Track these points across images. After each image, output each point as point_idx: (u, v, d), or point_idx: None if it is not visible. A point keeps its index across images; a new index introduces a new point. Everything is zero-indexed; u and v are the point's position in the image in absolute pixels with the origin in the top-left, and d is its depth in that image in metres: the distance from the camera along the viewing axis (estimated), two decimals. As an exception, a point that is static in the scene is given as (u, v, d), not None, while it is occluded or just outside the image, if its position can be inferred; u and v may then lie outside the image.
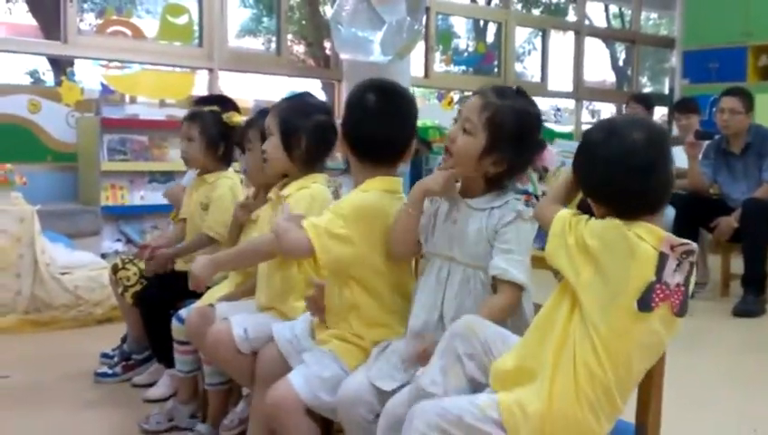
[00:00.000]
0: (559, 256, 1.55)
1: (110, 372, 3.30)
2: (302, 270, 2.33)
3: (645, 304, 1.47)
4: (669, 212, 5.23)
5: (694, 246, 1.51)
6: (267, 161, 2.42)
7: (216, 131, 3.07)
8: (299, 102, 2.43)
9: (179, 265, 3.06)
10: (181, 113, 5.47)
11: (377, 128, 2.01)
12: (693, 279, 1.54)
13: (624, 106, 6.42)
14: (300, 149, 2.36)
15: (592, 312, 1.49)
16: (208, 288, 2.60)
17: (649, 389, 1.67)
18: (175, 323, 2.72)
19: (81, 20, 6.08)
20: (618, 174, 1.52)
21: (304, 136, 2.35)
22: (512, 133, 1.80)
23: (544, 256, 1.60)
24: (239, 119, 3.06)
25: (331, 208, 2.00)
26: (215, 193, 3.03)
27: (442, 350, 1.67)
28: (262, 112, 2.79)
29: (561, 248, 1.55)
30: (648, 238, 1.49)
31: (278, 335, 2.13)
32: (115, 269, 3.28)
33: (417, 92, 8.57)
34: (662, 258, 1.48)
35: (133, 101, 5.73)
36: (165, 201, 3.65)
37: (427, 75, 7.88)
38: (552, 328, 1.56)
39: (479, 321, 1.69)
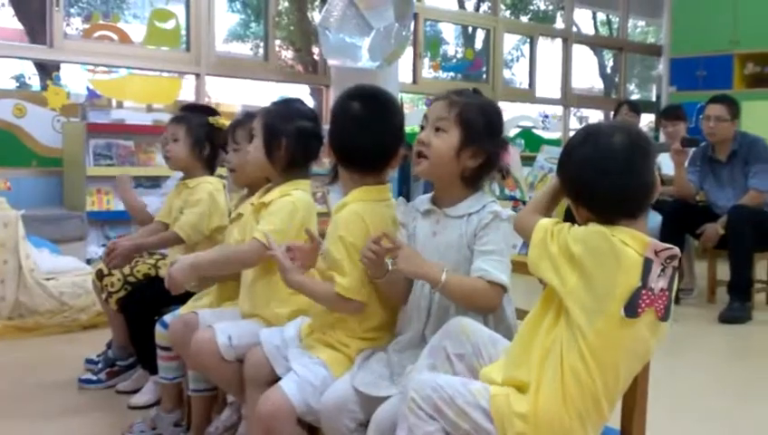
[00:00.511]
0: (542, 266, 1.55)
1: (94, 378, 3.27)
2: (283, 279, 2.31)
3: (631, 310, 1.47)
4: (656, 218, 5.26)
5: (677, 250, 1.52)
6: (247, 163, 2.43)
7: (201, 133, 3.06)
8: (285, 107, 2.43)
9: (164, 271, 3.03)
10: (167, 118, 5.47)
11: (362, 137, 2.01)
12: (675, 284, 1.54)
13: (612, 113, 6.44)
14: (280, 153, 2.35)
15: (579, 319, 1.49)
16: (187, 294, 2.57)
17: (634, 394, 1.68)
18: (159, 329, 2.69)
19: (67, 24, 6.05)
20: (597, 176, 1.53)
21: (285, 140, 2.34)
22: (482, 124, 1.86)
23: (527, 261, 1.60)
24: (225, 122, 3.05)
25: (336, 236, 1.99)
26: (193, 197, 3.01)
27: (432, 349, 1.68)
28: (250, 114, 2.81)
29: (544, 258, 1.55)
30: (633, 244, 1.49)
31: (265, 340, 2.12)
32: (99, 275, 3.25)
33: (405, 98, 8.57)
34: (647, 264, 1.48)
35: (119, 105, 5.71)
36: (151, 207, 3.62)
37: (415, 81, 7.90)
38: (538, 336, 1.55)
39: (473, 323, 1.70)
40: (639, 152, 1.56)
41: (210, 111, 3.22)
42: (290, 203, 2.32)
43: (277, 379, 1.98)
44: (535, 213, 1.69)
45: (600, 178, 1.53)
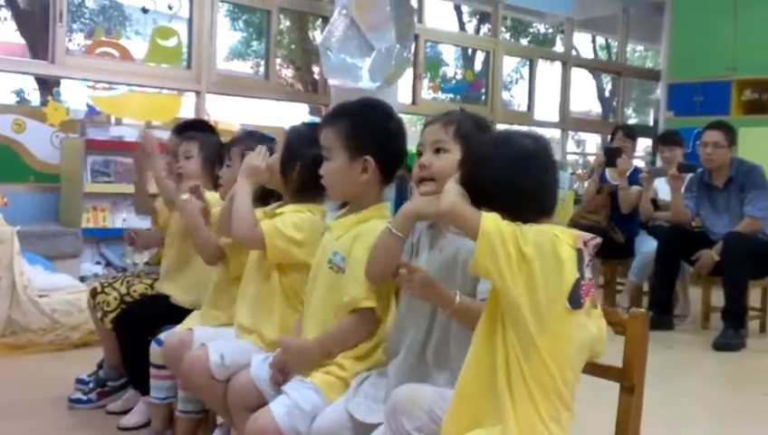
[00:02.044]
0: (496, 260, 1.49)
1: (84, 398, 3.25)
2: (285, 295, 2.32)
3: (575, 300, 1.50)
4: (651, 243, 5.27)
5: (599, 238, 1.57)
6: (271, 168, 2.39)
7: (213, 151, 3.07)
8: (310, 131, 2.38)
9: (162, 289, 3.05)
10: (167, 136, 5.48)
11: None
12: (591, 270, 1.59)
13: (609, 137, 6.46)
14: (293, 175, 2.35)
15: (529, 321, 1.49)
16: (182, 312, 2.57)
17: (627, 420, 1.68)
18: (154, 347, 2.69)
19: (69, 40, 6.08)
20: (520, 172, 1.59)
21: (300, 166, 2.34)
22: (480, 137, 1.85)
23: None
24: None
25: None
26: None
27: (390, 431, 1.66)
28: (249, 133, 2.85)
29: (499, 254, 1.49)
30: (564, 237, 1.52)
31: (255, 364, 2.12)
32: (93, 293, 3.24)
33: (404, 119, 8.59)
34: (580, 255, 1.52)
35: (119, 122, 5.72)
36: (147, 224, 3.62)
37: (414, 102, 7.92)
38: (491, 361, 1.54)
39: (416, 391, 1.70)
40: (547, 154, 1.66)
41: (204, 125, 3.22)
42: (298, 218, 2.31)
43: (264, 404, 1.97)
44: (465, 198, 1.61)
45: (522, 175, 1.58)
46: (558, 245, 1.50)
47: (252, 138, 2.75)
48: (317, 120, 2.63)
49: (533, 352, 1.49)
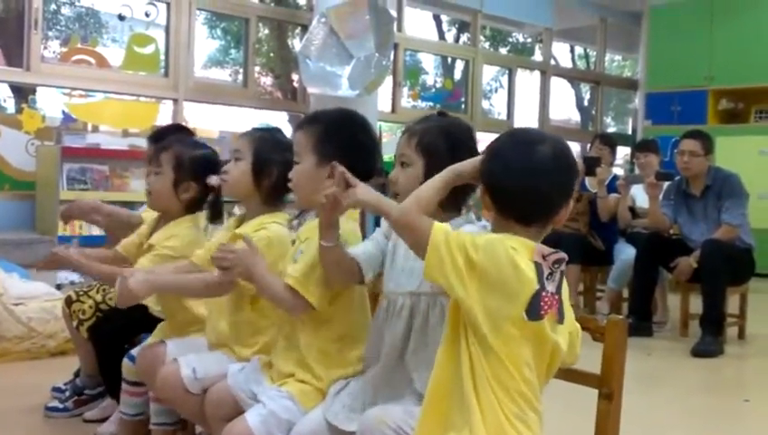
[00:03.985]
0: (444, 271, 1.52)
1: (60, 406, 3.21)
2: (255, 308, 2.28)
3: (533, 312, 1.49)
4: (630, 251, 5.30)
5: (563, 254, 1.54)
6: (228, 183, 2.36)
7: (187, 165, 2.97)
8: (274, 136, 2.39)
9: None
10: (144, 143, 5.43)
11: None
12: (565, 288, 1.57)
13: (589, 146, 6.50)
14: (269, 180, 2.32)
15: (483, 324, 1.49)
16: (156, 321, 2.53)
17: (605, 427, 1.68)
18: (126, 363, 2.64)
19: (45, 47, 6.04)
20: (510, 172, 1.55)
21: (276, 169, 2.30)
22: (444, 148, 1.83)
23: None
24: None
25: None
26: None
27: None
28: (177, 139, 2.79)
29: (447, 263, 1.51)
30: (521, 249, 1.51)
31: (232, 374, 2.09)
32: (69, 301, 3.20)
33: (384, 127, 8.61)
34: (538, 268, 1.51)
35: (95, 129, 5.69)
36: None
37: (394, 110, 7.94)
38: (457, 365, 1.54)
39: (384, 409, 1.70)
40: (555, 165, 1.57)
41: (182, 130, 3.17)
42: (265, 238, 2.24)
43: (240, 413, 1.95)
44: (421, 211, 1.61)
45: (505, 170, 1.56)
46: (512, 255, 1.50)
47: (182, 143, 2.71)
48: (271, 125, 2.59)
49: (491, 353, 1.49)
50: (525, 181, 1.54)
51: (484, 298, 1.49)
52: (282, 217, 2.36)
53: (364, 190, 1.72)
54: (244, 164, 2.33)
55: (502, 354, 1.49)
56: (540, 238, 1.59)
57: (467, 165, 1.65)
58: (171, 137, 2.90)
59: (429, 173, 1.78)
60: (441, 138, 1.85)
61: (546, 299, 1.50)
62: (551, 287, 1.52)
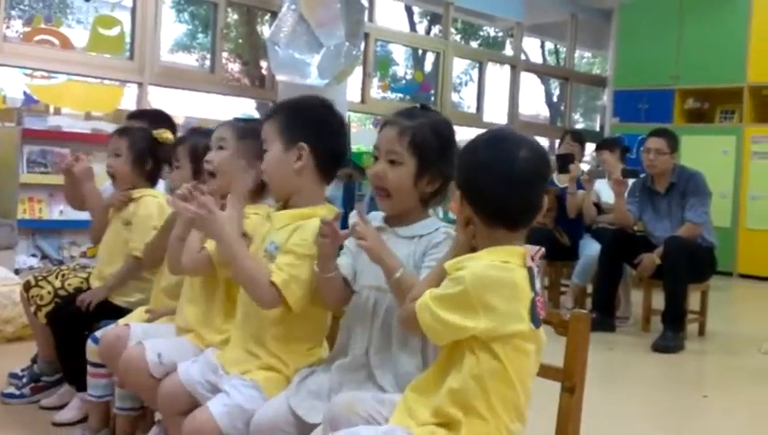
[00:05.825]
0: (448, 334, 1.56)
1: (17, 393, 3.16)
2: (229, 296, 2.25)
3: (535, 319, 1.53)
4: (595, 246, 5.34)
5: (542, 249, 1.57)
6: (218, 175, 2.33)
7: (144, 146, 2.98)
8: (256, 127, 2.31)
9: (95, 284, 2.96)
10: (107, 127, 5.34)
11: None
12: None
13: (559, 142, 6.53)
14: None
15: (496, 346, 1.51)
16: (119, 310, 2.48)
17: (567, 420, 1.70)
18: (90, 345, 2.61)
19: (7, 27, 5.88)
20: (493, 179, 1.56)
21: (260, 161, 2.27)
22: (436, 146, 1.83)
23: None
24: (169, 135, 2.98)
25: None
26: (140, 211, 2.92)
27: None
28: (193, 131, 2.76)
29: (445, 331, 1.55)
30: (513, 260, 1.53)
31: (183, 370, 2.06)
32: (27, 286, 3.14)
33: (353, 117, 8.58)
34: (530, 272, 1.53)
35: (57, 112, 5.57)
36: (85, 216, 3.49)
37: (363, 101, 7.90)
38: (457, 370, 1.55)
39: (354, 396, 1.69)
40: (538, 172, 1.59)
41: (159, 116, 3.12)
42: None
43: (196, 407, 1.93)
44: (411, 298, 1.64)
45: (493, 182, 1.56)
46: (513, 271, 1.52)
47: (197, 134, 2.69)
48: (252, 116, 2.57)
49: (502, 371, 1.51)
50: (515, 192, 1.56)
51: (496, 323, 1.50)
52: (263, 208, 2.31)
53: (374, 242, 1.75)
54: (226, 154, 2.31)
55: (512, 372, 1.51)
56: (524, 238, 1.60)
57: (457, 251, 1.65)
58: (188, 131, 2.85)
59: (420, 172, 1.82)
60: (432, 137, 1.83)
61: (539, 302, 1.54)
62: (538, 288, 1.55)
